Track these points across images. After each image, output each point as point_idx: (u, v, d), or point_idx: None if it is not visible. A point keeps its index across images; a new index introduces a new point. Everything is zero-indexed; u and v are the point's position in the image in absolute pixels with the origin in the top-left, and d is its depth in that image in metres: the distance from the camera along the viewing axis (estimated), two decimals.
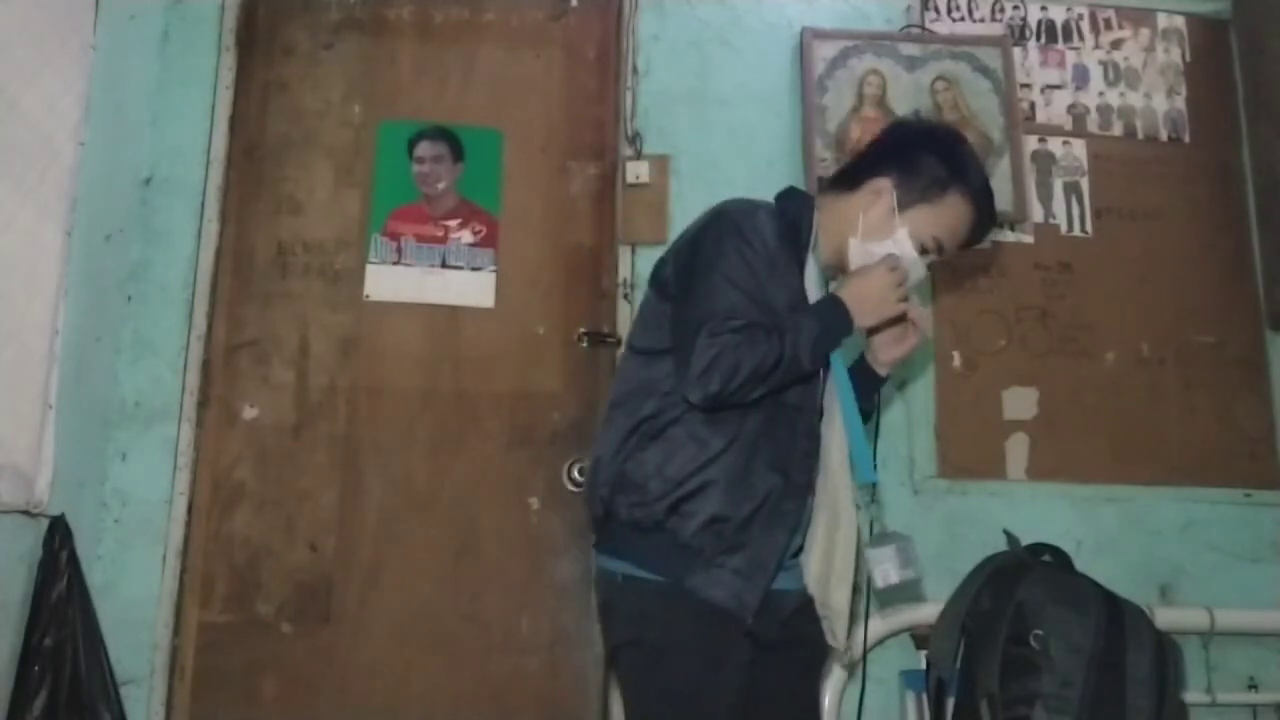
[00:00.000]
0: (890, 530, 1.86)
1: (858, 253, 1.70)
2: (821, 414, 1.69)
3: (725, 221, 1.68)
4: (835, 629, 1.68)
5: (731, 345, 1.54)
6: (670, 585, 1.57)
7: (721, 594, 1.55)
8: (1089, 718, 1.95)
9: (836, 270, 1.77)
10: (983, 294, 2.66)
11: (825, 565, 1.66)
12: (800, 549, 1.69)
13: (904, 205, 1.68)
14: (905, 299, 1.67)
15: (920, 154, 1.70)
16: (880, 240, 1.68)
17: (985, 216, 1.72)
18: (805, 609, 1.69)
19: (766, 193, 2.64)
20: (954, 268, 2.68)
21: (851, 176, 1.75)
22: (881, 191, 1.69)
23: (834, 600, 1.66)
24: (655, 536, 1.58)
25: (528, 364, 2.57)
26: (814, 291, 1.68)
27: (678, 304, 1.66)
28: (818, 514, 1.68)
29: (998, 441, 2.59)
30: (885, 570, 1.76)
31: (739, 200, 1.73)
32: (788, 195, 1.79)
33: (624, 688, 1.69)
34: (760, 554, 1.58)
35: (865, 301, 1.64)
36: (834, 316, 1.63)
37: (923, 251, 1.70)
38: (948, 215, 1.69)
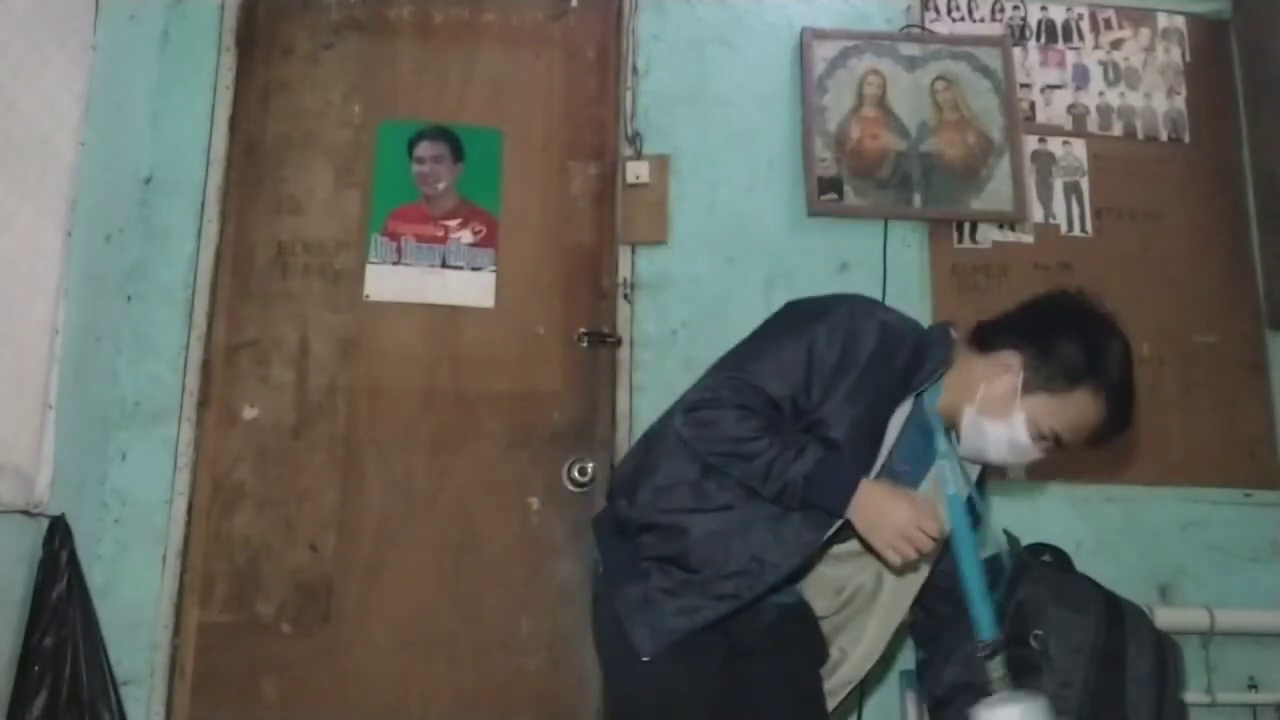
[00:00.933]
0: (1012, 689, 1.63)
1: (970, 424, 1.61)
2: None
3: (836, 307, 1.61)
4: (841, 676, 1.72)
5: (730, 407, 1.52)
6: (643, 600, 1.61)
7: (637, 629, 1.57)
8: (1089, 718, 1.95)
9: (950, 425, 1.67)
10: (983, 294, 2.66)
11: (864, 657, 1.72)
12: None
13: (1029, 388, 1.57)
14: (921, 553, 1.52)
15: (1062, 337, 1.58)
16: (995, 419, 1.59)
17: (1118, 419, 1.58)
18: (793, 616, 1.69)
19: (766, 192, 2.69)
20: (953, 267, 2.68)
21: (989, 338, 1.63)
22: (1010, 368, 1.58)
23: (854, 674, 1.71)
24: (624, 544, 1.64)
25: (528, 364, 2.57)
26: (894, 432, 1.60)
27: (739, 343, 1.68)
28: (871, 613, 1.70)
29: None
30: None
31: (874, 302, 1.67)
32: (935, 330, 1.70)
33: (605, 688, 1.73)
34: (693, 612, 1.58)
35: (876, 520, 1.51)
36: (833, 485, 1.52)
37: (1039, 438, 1.59)
38: (1072, 410, 1.57)
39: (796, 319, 1.62)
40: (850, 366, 1.55)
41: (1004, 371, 1.58)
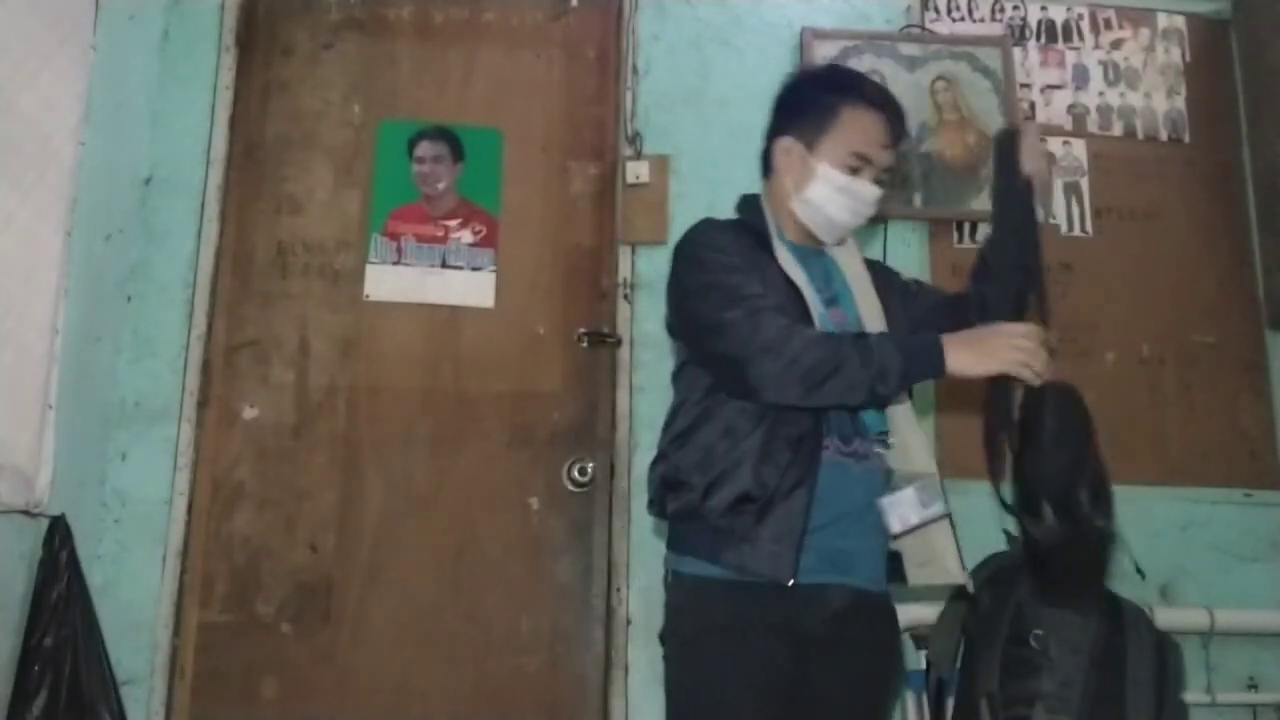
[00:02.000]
0: (910, 471, 1.72)
1: (802, 208, 1.73)
2: None
3: (685, 247, 1.71)
4: (947, 564, 1.67)
5: (785, 327, 1.55)
6: (703, 581, 1.60)
7: (760, 565, 1.56)
8: (1089, 718, 1.95)
9: (812, 241, 1.77)
10: None
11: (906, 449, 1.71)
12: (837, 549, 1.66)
13: (811, 147, 1.70)
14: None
15: (801, 99, 1.74)
16: (811, 185, 1.70)
17: (889, 110, 1.71)
18: (859, 611, 1.65)
19: None
20: (954, 267, 2.68)
21: (765, 159, 1.79)
22: (789, 149, 1.72)
23: (920, 465, 1.69)
24: (694, 523, 1.62)
25: (528, 364, 2.57)
26: (798, 273, 1.69)
27: (683, 326, 1.70)
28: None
29: None
30: (904, 514, 1.67)
31: (693, 226, 1.76)
32: (739, 204, 1.83)
33: (665, 682, 1.69)
34: (788, 522, 1.57)
35: (982, 351, 1.56)
36: (924, 350, 1.55)
37: (854, 172, 1.69)
38: (851, 129, 1.69)
39: (686, 273, 1.69)
40: (732, 259, 1.65)
41: (789, 155, 1.72)
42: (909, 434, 1.71)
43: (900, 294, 1.85)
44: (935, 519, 1.67)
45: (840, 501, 1.62)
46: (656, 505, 1.70)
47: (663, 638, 1.69)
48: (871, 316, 1.73)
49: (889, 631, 1.74)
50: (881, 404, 1.65)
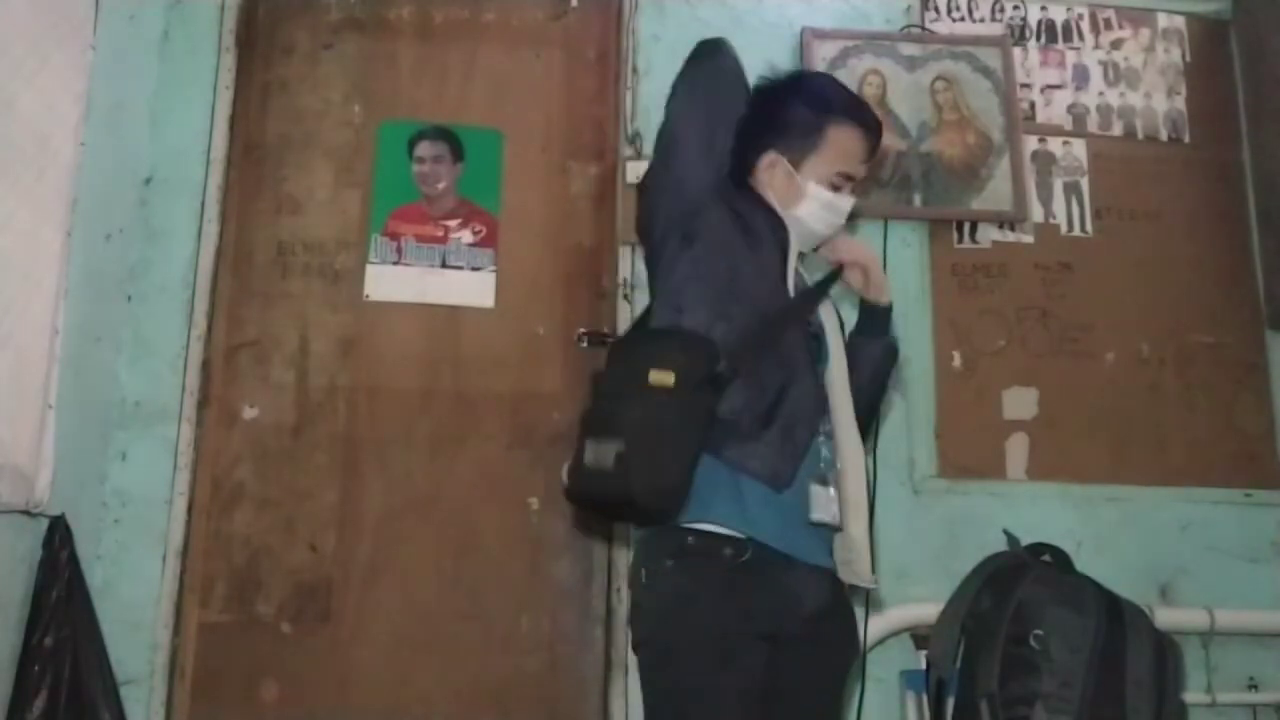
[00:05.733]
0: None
1: (788, 222, 1.70)
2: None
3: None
4: (858, 565, 1.64)
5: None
6: (687, 593, 1.54)
7: (756, 465, 1.55)
8: (1089, 718, 1.95)
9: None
10: (983, 294, 2.66)
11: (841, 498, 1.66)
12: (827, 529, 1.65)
13: (798, 164, 1.70)
14: None
15: (786, 110, 1.72)
16: (797, 201, 1.70)
17: (869, 127, 1.73)
18: (832, 612, 1.65)
19: None
20: (953, 267, 2.68)
21: (744, 165, 1.73)
22: (774, 165, 1.71)
23: (852, 530, 1.63)
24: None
25: (528, 364, 2.57)
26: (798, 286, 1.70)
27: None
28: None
29: (998, 441, 2.59)
30: (830, 506, 1.64)
31: None
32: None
33: (642, 687, 1.62)
34: (791, 433, 1.57)
35: None
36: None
37: (835, 190, 1.71)
38: (836, 148, 1.70)
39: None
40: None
41: (772, 171, 1.71)
42: (848, 431, 1.68)
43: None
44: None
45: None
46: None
47: (636, 644, 1.61)
48: (836, 340, 1.73)
49: (852, 623, 1.73)
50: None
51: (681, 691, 1.54)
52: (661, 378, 1.51)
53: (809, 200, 1.69)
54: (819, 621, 1.62)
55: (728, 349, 1.55)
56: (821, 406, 1.65)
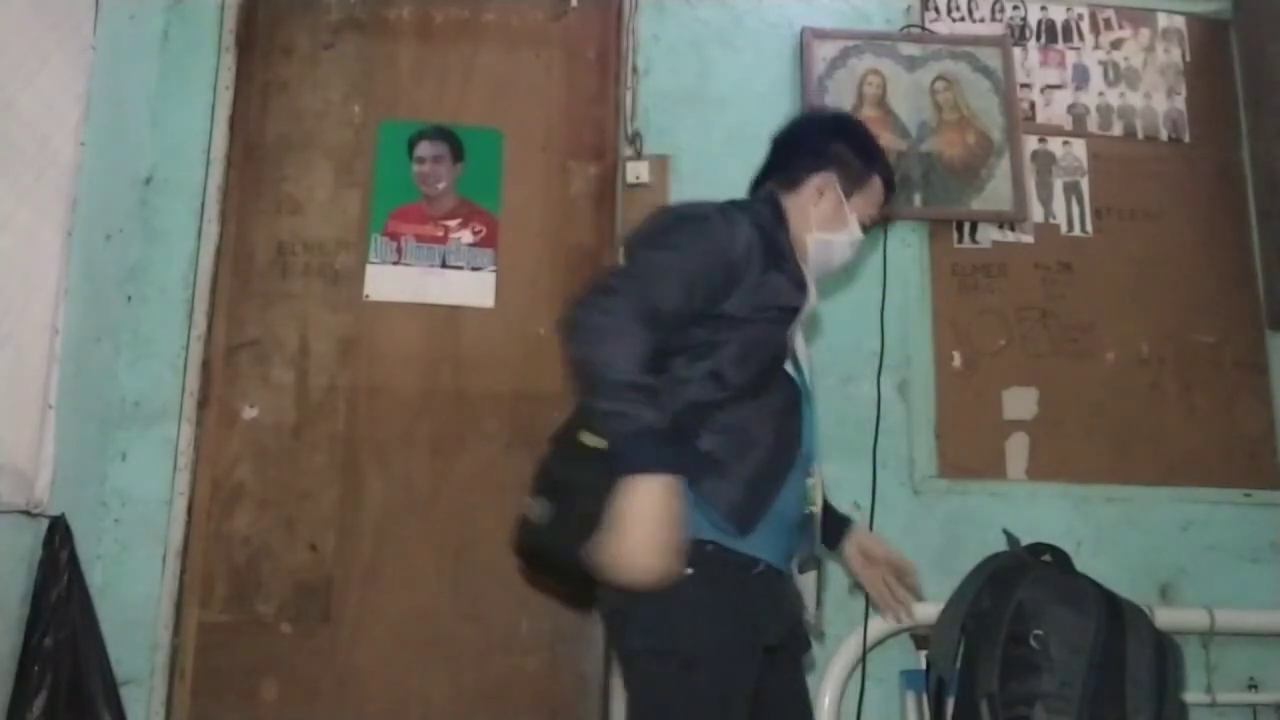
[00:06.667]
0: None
1: (819, 246, 1.79)
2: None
3: (697, 214, 1.66)
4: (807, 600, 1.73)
5: (616, 332, 1.46)
6: (708, 602, 1.53)
7: (723, 504, 1.55)
8: (1089, 718, 1.95)
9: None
10: (983, 294, 2.66)
11: None
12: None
13: (848, 195, 1.80)
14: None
15: (841, 144, 1.82)
16: (837, 230, 1.80)
17: (892, 189, 1.89)
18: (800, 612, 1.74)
19: None
20: (953, 267, 2.68)
21: (790, 176, 1.82)
22: (825, 188, 1.79)
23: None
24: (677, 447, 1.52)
25: (528, 364, 2.57)
26: (810, 299, 1.73)
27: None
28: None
29: (998, 441, 2.59)
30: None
31: (712, 203, 1.72)
32: (760, 206, 1.79)
33: (643, 696, 1.58)
34: (761, 482, 1.58)
35: (635, 523, 1.43)
36: (635, 458, 1.43)
37: (865, 228, 1.85)
38: (873, 195, 1.84)
39: (672, 228, 1.67)
40: (729, 265, 1.65)
41: (821, 193, 1.80)
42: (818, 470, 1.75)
43: None
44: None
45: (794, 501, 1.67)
46: None
47: (636, 652, 1.57)
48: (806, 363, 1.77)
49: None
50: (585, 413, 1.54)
51: (704, 699, 1.52)
52: (591, 439, 1.50)
53: (847, 230, 1.80)
54: (795, 626, 1.71)
55: (708, 403, 1.57)
56: (802, 448, 1.66)
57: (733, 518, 1.55)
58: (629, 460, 1.43)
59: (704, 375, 1.59)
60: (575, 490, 1.51)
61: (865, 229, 1.85)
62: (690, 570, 1.50)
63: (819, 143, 1.84)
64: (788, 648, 1.70)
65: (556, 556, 1.56)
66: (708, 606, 1.53)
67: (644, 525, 1.42)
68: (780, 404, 1.64)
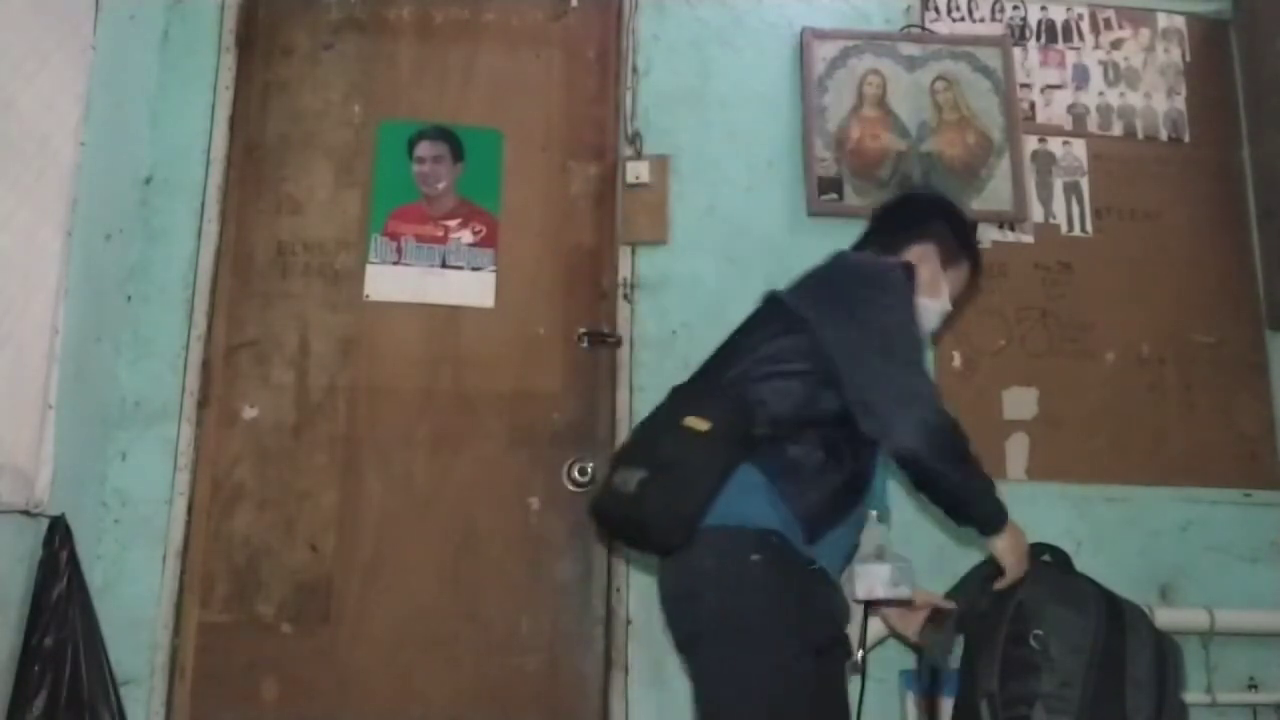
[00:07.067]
0: (891, 549, 1.86)
1: (921, 310, 1.90)
2: None
3: (894, 277, 1.85)
4: None
5: (947, 415, 1.75)
6: (778, 587, 1.69)
7: (800, 507, 1.72)
8: (1089, 718, 1.95)
9: None
10: (983, 294, 2.66)
11: None
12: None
13: (945, 267, 1.95)
14: None
15: (943, 223, 1.97)
16: (933, 297, 1.93)
17: (978, 274, 2.05)
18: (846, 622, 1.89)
19: (766, 192, 2.69)
20: None
21: (892, 241, 1.96)
22: (929, 257, 1.93)
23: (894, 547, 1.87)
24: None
25: (528, 364, 2.57)
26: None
27: (835, 326, 1.77)
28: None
29: (998, 441, 2.59)
30: (872, 585, 1.80)
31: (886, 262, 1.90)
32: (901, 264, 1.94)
33: (716, 678, 1.71)
34: (841, 493, 1.77)
35: (1017, 548, 1.88)
36: (1003, 513, 1.84)
37: (948, 307, 1.98)
38: (961, 277, 1.99)
39: (883, 290, 1.86)
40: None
41: (923, 260, 1.93)
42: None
43: None
44: (897, 600, 1.87)
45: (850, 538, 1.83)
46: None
47: (718, 634, 1.68)
48: None
49: None
50: (953, 507, 1.83)
51: (769, 676, 1.64)
52: (695, 424, 1.69)
53: (940, 300, 1.94)
54: (840, 633, 1.82)
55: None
56: (875, 481, 1.84)
57: (804, 523, 1.70)
58: (1002, 515, 1.84)
59: (809, 395, 1.75)
60: (678, 467, 1.67)
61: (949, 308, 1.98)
62: (757, 556, 1.65)
63: (923, 216, 1.98)
64: (832, 650, 1.79)
65: (645, 522, 1.69)
66: (779, 590, 1.66)
67: (1020, 546, 1.87)
68: (861, 437, 1.75)
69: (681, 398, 1.81)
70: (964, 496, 1.79)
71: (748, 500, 1.68)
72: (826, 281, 1.86)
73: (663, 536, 1.69)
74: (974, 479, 1.78)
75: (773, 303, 1.89)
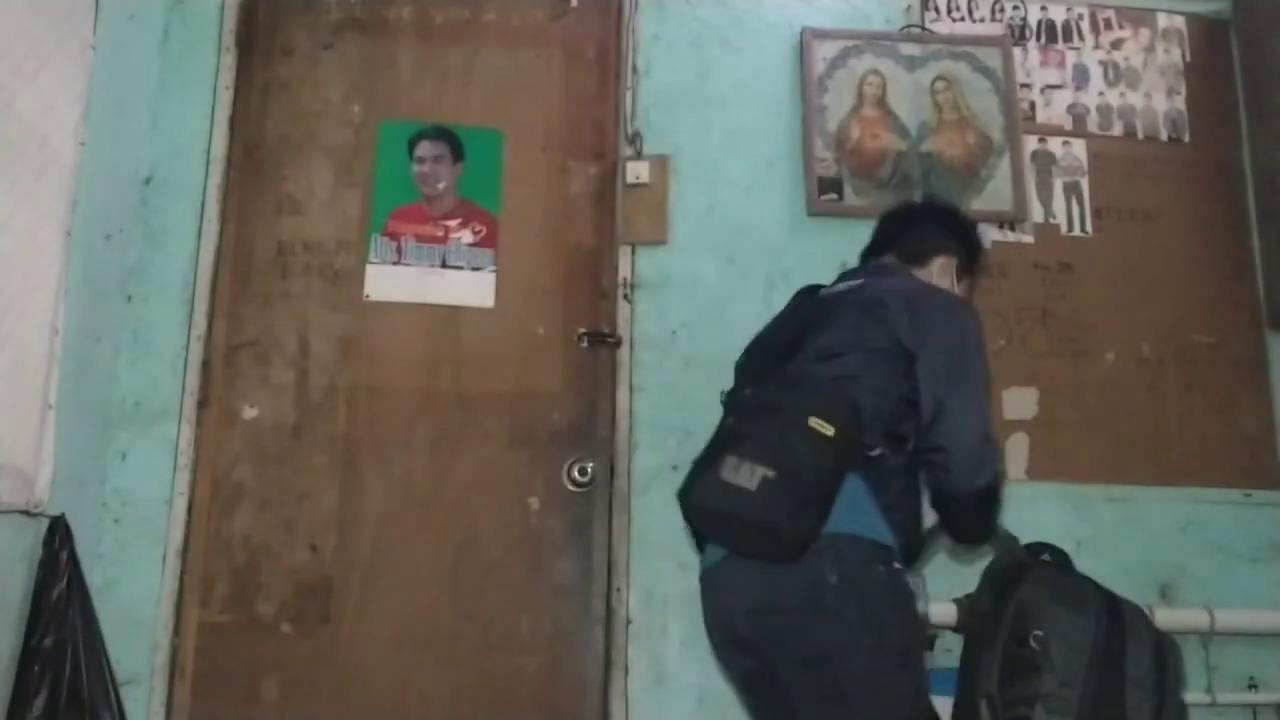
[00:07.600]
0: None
1: None
2: None
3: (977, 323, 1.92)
4: None
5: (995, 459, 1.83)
6: (905, 598, 1.76)
7: (903, 536, 1.78)
8: (1089, 718, 1.95)
9: None
10: (983, 294, 2.65)
11: None
12: None
13: (959, 278, 2.03)
14: None
15: (961, 238, 2.05)
16: None
17: (976, 283, 2.20)
18: None
19: (766, 192, 2.69)
20: None
21: (916, 250, 2.02)
22: (950, 268, 2.02)
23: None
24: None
25: (528, 364, 2.57)
26: None
27: (943, 381, 1.80)
28: None
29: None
30: None
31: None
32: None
33: (849, 692, 1.68)
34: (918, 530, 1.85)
35: None
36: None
37: None
38: (969, 290, 2.09)
39: (975, 347, 1.91)
40: None
41: (947, 269, 2.02)
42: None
43: None
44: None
45: None
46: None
47: (850, 648, 1.66)
48: None
49: None
50: (962, 537, 1.99)
51: (921, 693, 1.72)
52: (822, 426, 1.65)
53: None
54: None
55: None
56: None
57: (902, 550, 1.75)
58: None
59: (898, 415, 1.76)
60: (810, 471, 1.63)
61: None
62: (881, 568, 1.69)
63: (946, 230, 2.05)
64: None
65: (775, 525, 1.62)
66: (906, 600, 1.72)
67: None
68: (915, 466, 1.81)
69: (796, 393, 1.75)
70: (982, 534, 1.95)
71: (859, 511, 1.68)
72: (934, 315, 1.84)
73: (790, 542, 1.62)
74: (996, 520, 1.92)
75: (847, 308, 1.87)
